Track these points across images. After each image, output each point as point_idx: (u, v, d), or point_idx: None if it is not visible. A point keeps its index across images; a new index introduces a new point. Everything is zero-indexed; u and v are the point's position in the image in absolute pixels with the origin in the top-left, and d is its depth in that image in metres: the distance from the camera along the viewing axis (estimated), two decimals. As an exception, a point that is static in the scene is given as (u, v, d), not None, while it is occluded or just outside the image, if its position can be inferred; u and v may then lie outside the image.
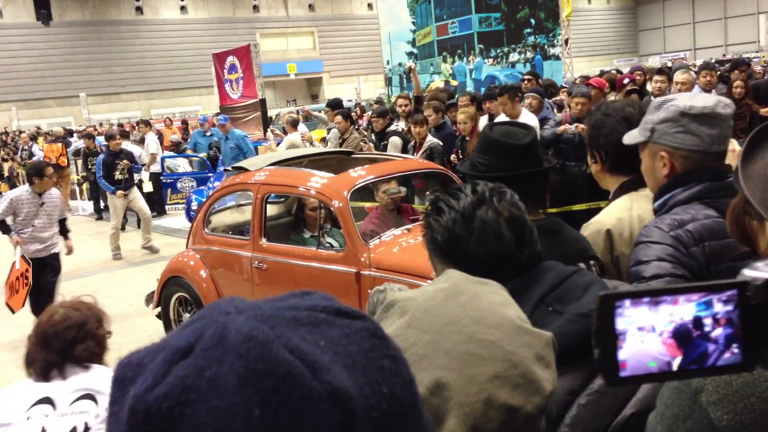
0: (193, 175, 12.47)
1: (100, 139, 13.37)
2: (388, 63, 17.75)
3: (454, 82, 15.19)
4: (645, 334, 0.70)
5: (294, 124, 10.13)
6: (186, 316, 5.51)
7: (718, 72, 9.39)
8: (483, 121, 7.04)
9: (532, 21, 15.91)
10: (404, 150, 7.09)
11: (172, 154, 13.72)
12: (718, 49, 40.86)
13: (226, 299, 0.57)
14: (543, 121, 7.06)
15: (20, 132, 21.31)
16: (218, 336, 0.50)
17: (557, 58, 15.92)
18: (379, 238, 4.31)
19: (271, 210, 5.65)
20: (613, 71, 14.56)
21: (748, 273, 0.81)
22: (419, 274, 3.70)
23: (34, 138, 18.17)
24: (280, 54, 36.98)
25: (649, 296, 0.70)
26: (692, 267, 1.70)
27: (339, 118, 8.24)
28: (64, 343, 2.32)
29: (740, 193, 1.18)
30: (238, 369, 0.48)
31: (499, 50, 16.12)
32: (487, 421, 0.93)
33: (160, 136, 14.77)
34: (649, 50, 46.14)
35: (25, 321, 5.75)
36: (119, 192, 9.38)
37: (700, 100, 1.81)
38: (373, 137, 8.17)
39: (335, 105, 10.31)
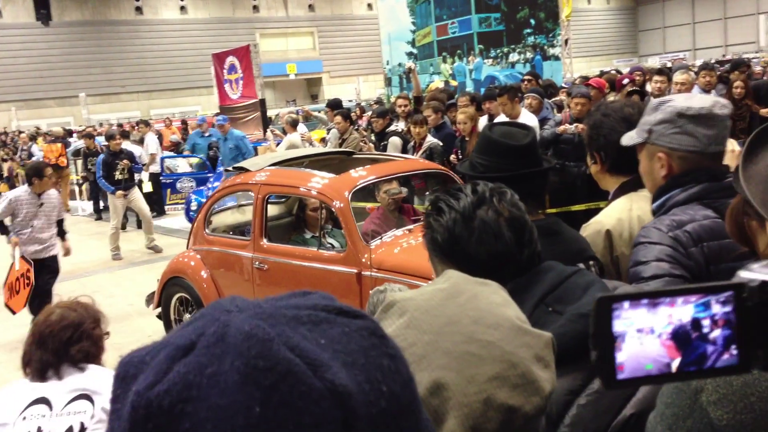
0: (192, 175, 12.47)
1: (100, 139, 13.38)
2: (387, 63, 17.72)
3: (453, 83, 15.17)
4: (644, 335, 0.70)
5: (293, 125, 10.13)
6: (186, 316, 5.50)
7: (718, 72, 9.38)
8: (483, 121, 7.04)
9: (532, 21, 15.89)
10: (404, 150, 7.09)
11: (171, 154, 13.73)
12: (717, 50, 40.82)
13: (227, 298, 0.57)
14: (543, 122, 7.07)
15: (20, 132, 21.26)
16: (219, 334, 0.51)
17: (557, 58, 15.90)
18: (380, 238, 4.30)
19: (272, 210, 5.65)
20: (613, 72, 14.57)
21: (743, 275, 0.81)
22: (420, 275, 3.69)
23: (33, 138, 18.14)
24: (279, 54, 36.97)
25: (647, 298, 0.70)
26: (691, 267, 1.70)
27: (338, 118, 8.24)
28: (60, 343, 2.32)
29: (740, 193, 1.18)
30: (238, 366, 0.48)
31: (498, 50, 16.10)
32: (487, 421, 0.93)
33: (160, 137, 14.77)
34: (648, 50, 46.11)
35: (24, 321, 5.73)
36: (119, 192, 9.36)
37: (697, 101, 1.82)
38: (373, 137, 8.18)
39: (335, 105, 10.31)
